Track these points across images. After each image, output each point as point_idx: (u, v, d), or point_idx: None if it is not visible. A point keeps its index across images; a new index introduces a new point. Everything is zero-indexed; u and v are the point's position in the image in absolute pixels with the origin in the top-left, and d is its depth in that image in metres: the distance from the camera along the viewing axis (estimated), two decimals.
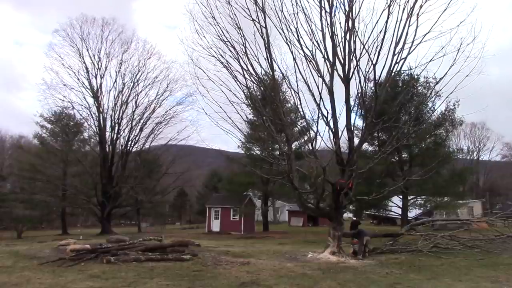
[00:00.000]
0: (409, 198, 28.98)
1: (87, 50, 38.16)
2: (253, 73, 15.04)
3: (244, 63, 14.83)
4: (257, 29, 14.46)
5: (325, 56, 14.76)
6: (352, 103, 15.89)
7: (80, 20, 38.42)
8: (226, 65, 15.09)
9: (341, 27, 14.60)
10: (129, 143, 39.71)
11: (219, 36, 14.82)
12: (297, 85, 14.90)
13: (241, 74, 15.07)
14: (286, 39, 14.56)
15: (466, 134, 61.43)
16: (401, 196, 28.95)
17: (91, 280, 9.30)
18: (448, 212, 29.99)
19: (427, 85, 23.71)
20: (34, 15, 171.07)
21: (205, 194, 60.50)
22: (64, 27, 38.46)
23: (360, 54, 14.35)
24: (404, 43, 14.13)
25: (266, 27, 14.47)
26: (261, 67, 15.13)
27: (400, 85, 26.12)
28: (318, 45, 14.75)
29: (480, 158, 64.29)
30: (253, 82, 15.68)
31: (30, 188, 38.91)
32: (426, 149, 28.05)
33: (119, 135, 39.54)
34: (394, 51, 14.23)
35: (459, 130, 49.88)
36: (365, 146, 30.29)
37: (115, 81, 39.15)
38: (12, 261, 12.32)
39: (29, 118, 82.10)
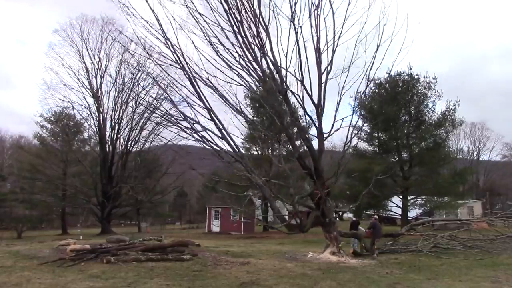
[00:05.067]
0: (409, 198, 28.96)
1: (87, 50, 38.41)
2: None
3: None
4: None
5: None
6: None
7: (80, 20, 38.69)
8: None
9: None
10: (129, 143, 39.84)
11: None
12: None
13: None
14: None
15: (466, 134, 61.43)
16: (401, 196, 28.94)
17: (91, 280, 9.29)
18: (448, 212, 29.97)
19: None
20: (26, 9, 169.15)
21: (205, 194, 60.40)
22: (64, 27, 38.79)
23: None
24: None
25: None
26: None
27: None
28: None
29: (480, 158, 64.31)
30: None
31: (30, 188, 38.99)
32: (426, 149, 28.05)
33: (119, 135, 39.69)
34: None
35: (459, 130, 49.85)
36: (365, 146, 30.38)
37: (115, 81, 39.31)
38: (12, 261, 12.28)
39: (29, 118, 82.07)
